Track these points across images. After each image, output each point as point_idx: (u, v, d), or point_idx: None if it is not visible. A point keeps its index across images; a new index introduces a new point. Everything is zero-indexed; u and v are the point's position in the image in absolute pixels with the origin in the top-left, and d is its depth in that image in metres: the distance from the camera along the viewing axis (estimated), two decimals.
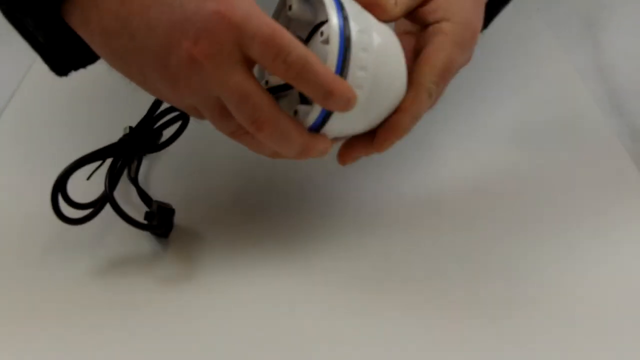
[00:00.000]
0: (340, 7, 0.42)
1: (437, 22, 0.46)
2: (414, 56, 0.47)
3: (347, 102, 0.42)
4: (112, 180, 0.50)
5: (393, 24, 0.48)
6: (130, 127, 0.55)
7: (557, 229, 0.53)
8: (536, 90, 0.67)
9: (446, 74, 0.46)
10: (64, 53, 0.47)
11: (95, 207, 0.50)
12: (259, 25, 0.40)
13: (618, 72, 0.70)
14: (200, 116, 0.45)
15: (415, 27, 0.48)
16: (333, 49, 0.41)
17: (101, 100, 0.65)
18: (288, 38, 0.40)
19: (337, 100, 0.42)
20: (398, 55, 0.45)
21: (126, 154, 0.53)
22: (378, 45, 0.43)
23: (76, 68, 0.50)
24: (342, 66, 0.42)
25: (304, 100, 0.45)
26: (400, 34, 0.48)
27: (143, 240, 0.51)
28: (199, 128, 0.53)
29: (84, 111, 0.64)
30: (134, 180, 0.53)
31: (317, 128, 0.44)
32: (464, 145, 0.60)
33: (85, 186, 0.49)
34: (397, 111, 0.45)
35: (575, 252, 0.51)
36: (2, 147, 0.61)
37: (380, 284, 0.48)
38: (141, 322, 0.46)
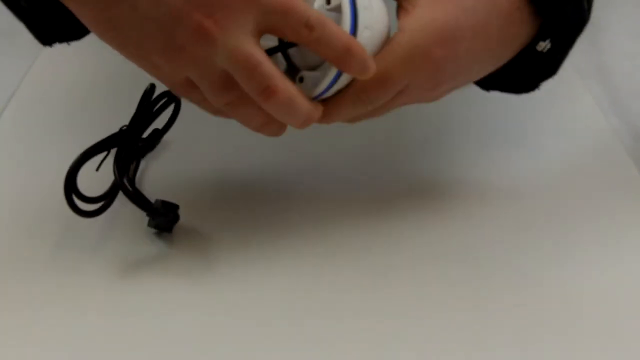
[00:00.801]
0: None
1: (398, 29, 0.45)
2: None
3: (364, 64, 0.43)
4: (120, 167, 0.50)
5: None
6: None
7: (557, 229, 0.53)
8: (536, 90, 0.67)
9: (379, 86, 0.45)
10: (47, 20, 0.46)
11: (108, 197, 0.50)
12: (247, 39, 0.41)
13: (618, 72, 0.70)
14: (189, 91, 0.45)
15: None
16: (346, 12, 0.43)
17: (101, 100, 0.65)
18: (303, 5, 0.41)
19: (356, 60, 0.43)
20: (385, 10, 0.45)
21: (129, 141, 0.52)
22: (375, 3, 0.44)
23: (61, 40, 0.49)
24: (354, 28, 0.43)
25: (291, 68, 0.45)
26: None
27: (147, 238, 0.51)
28: (200, 128, 0.53)
29: (83, 111, 0.64)
30: (131, 182, 0.53)
31: (321, 94, 0.45)
32: (463, 146, 0.60)
33: (90, 181, 0.49)
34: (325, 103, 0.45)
35: (575, 252, 0.51)
36: (2, 147, 0.61)
37: (382, 284, 0.48)
38: (145, 318, 0.46)
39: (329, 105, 0.45)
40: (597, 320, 0.46)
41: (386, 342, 0.44)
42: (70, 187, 0.48)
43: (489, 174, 0.57)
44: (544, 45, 0.48)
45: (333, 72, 0.44)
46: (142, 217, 0.50)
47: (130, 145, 0.52)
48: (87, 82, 0.67)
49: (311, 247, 0.51)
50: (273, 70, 0.42)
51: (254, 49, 0.42)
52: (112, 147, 0.52)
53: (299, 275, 0.49)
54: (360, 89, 0.45)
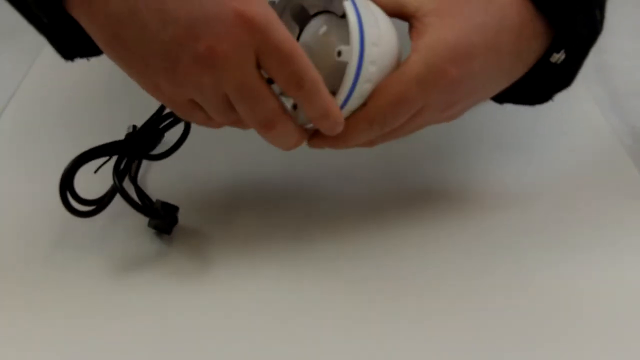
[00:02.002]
0: (358, 14, 0.43)
1: (411, 49, 0.45)
2: None
3: (334, 128, 0.45)
4: (119, 174, 0.50)
5: None
6: (134, 126, 0.55)
7: (557, 229, 0.53)
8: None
9: (396, 107, 0.45)
10: (68, 36, 0.47)
11: (104, 200, 0.50)
12: (281, 40, 0.41)
13: (618, 72, 0.70)
14: (192, 112, 0.45)
15: None
16: (352, 64, 0.43)
17: (101, 100, 0.65)
18: (305, 61, 0.42)
19: (329, 124, 0.44)
20: (393, 34, 0.45)
21: (131, 152, 0.53)
22: (384, 31, 0.44)
23: (82, 55, 0.50)
24: (357, 77, 0.43)
25: None
26: None
27: (146, 239, 0.51)
28: (202, 130, 0.53)
29: (84, 111, 0.64)
30: (134, 180, 0.53)
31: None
32: (463, 147, 0.60)
33: (88, 186, 0.49)
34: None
35: (575, 252, 0.51)
36: (2, 146, 0.61)
37: (384, 287, 0.48)
38: (145, 319, 0.46)
39: (345, 128, 0.45)
40: (596, 320, 0.46)
41: (388, 345, 0.44)
42: (66, 186, 0.48)
43: (488, 173, 0.57)
44: (557, 57, 0.47)
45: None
46: (142, 217, 0.50)
47: (132, 155, 0.53)
48: (87, 83, 0.67)
49: (311, 249, 0.51)
50: (275, 104, 0.43)
51: (256, 80, 0.42)
52: (113, 154, 0.52)
53: (298, 277, 0.49)
54: (377, 112, 0.45)
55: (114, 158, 0.52)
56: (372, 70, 0.43)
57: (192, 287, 0.48)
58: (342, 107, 0.44)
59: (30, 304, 0.47)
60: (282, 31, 0.41)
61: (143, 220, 0.51)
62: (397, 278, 0.49)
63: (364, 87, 0.44)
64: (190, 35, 0.40)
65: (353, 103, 0.44)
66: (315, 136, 0.47)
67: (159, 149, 0.55)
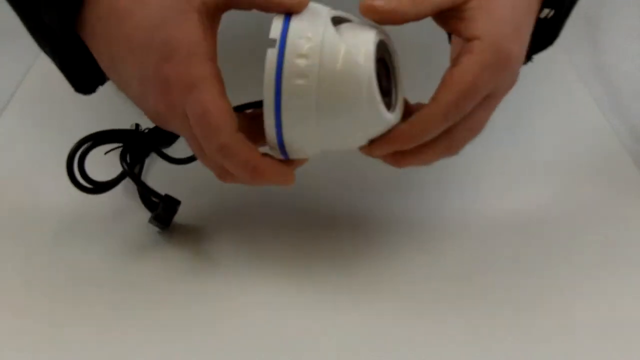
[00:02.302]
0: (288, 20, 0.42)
1: (469, 39, 0.44)
2: None
3: (273, 183, 0.44)
4: (130, 160, 0.51)
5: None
6: (137, 125, 0.55)
7: (556, 229, 0.53)
8: (536, 91, 0.67)
9: (468, 96, 0.44)
10: (83, 73, 0.50)
11: (114, 181, 0.51)
12: (195, 102, 0.43)
13: (618, 72, 0.70)
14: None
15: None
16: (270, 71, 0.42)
17: (101, 100, 0.65)
18: (216, 122, 0.42)
19: (264, 182, 0.44)
20: (348, 62, 0.42)
21: (145, 144, 0.53)
22: (323, 55, 0.42)
23: (92, 84, 0.53)
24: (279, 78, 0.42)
25: None
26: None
27: (146, 235, 0.52)
28: None
29: (83, 111, 0.64)
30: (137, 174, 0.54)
31: (281, 144, 0.44)
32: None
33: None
34: (404, 122, 0.44)
35: (574, 252, 0.51)
36: (2, 146, 0.61)
37: (380, 284, 0.48)
38: (143, 315, 0.46)
39: (420, 125, 0.44)
40: (596, 320, 0.46)
41: (388, 346, 0.45)
42: (73, 158, 0.49)
43: (488, 173, 0.57)
44: (547, 12, 0.48)
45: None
46: (141, 216, 0.51)
47: (140, 148, 0.53)
48: None
49: (311, 246, 0.51)
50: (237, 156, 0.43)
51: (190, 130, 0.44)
52: (125, 142, 0.52)
53: (297, 274, 0.49)
54: (450, 104, 0.43)
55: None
56: (301, 64, 0.41)
57: (190, 283, 0.48)
58: (276, 109, 0.42)
59: (31, 296, 0.47)
60: (202, 94, 0.42)
61: (144, 217, 0.51)
62: (403, 283, 0.49)
63: (295, 83, 0.41)
64: (144, 93, 0.45)
65: (293, 103, 0.42)
66: (380, 140, 0.45)
67: (182, 152, 0.55)
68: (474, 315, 0.46)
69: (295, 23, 0.42)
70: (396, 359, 0.44)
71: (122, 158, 0.51)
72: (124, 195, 0.55)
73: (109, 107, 0.64)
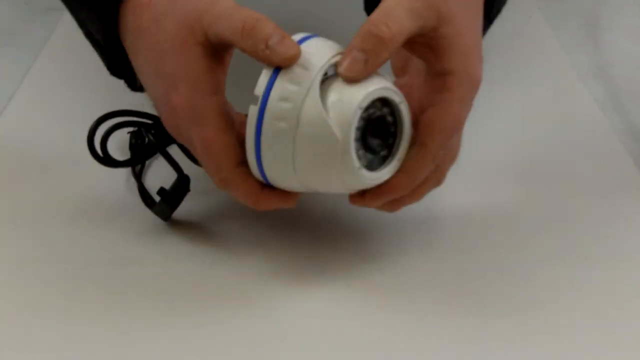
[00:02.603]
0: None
1: (441, 73, 0.44)
2: (420, 108, 0.45)
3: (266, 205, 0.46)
4: (157, 139, 0.52)
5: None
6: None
7: (556, 229, 0.53)
8: (536, 90, 0.67)
9: (452, 134, 0.44)
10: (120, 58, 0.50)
11: (140, 156, 0.53)
12: (198, 135, 0.44)
13: (618, 72, 0.70)
14: None
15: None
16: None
17: (101, 101, 0.65)
18: (217, 158, 0.44)
19: (267, 208, 0.46)
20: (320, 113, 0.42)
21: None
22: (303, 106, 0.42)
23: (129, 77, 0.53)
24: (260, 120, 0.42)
25: None
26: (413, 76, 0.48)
27: (146, 224, 0.52)
28: None
29: (83, 111, 0.63)
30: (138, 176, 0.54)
31: (271, 185, 0.45)
32: (463, 143, 0.60)
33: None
34: (398, 170, 0.44)
35: (575, 252, 0.51)
36: (2, 146, 0.61)
37: (378, 284, 0.48)
38: (143, 313, 0.46)
39: (409, 171, 0.44)
40: (596, 319, 0.46)
41: (388, 347, 0.45)
42: (94, 133, 0.51)
43: (487, 173, 0.57)
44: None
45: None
46: (143, 213, 0.50)
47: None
48: (87, 83, 0.67)
49: (312, 245, 0.51)
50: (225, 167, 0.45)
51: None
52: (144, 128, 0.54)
53: (297, 272, 0.49)
54: (440, 146, 0.44)
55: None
56: (279, 126, 0.42)
57: (190, 279, 0.48)
58: (258, 163, 0.43)
59: (32, 294, 0.47)
60: (206, 126, 0.44)
61: (145, 216, 0.51)
62: (397, 284, 0.49)
63: (273, 142, 0.42)
64: (158, 109, 0.48)
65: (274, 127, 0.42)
66: (375, 192, 0.45)
67: None
68: (474, 315, 0.46)
69: (279, 82, 0.42)
70: (396, 358, 0.44)
71: (148, 132, 0.52)
72: (125, 189, 0.55)
73: (109, 107, 0.64)
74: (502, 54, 0.70)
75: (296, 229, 0.52)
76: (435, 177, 0.47)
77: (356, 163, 0.42)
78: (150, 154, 0.54)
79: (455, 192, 0.55)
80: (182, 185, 0.51)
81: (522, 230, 0.53)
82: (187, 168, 0.52)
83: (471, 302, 0.47)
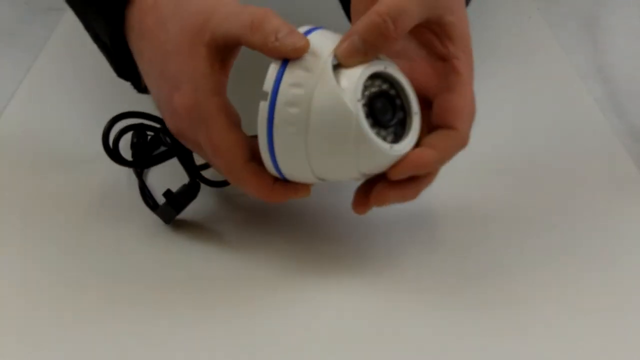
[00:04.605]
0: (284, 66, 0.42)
1: (447, 58, 0.45)
2: (424, 83, 0.46)
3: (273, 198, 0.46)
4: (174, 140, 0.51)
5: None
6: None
7: (556, 229, 0.53)
8: (536, 91, 0.67)
9: (474, 117, 0.46)
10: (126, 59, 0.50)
11: (156, 157, 0.52)
12: (204, 137, 0.45)
13: (618, 72, 0.70)
14: None
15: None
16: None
17: (101, 101, 0.65)
18: (225, 157, 0.44)
19: (279, 201, 0.46)
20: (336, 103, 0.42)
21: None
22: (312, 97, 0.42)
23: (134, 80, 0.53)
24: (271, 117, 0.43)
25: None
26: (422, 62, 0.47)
27: (148, 224, 0.52)
28: None
29: (83, 111, 0.64)
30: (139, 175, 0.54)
31: (285, 179, 0.45)
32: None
33: None
34: (425, 145, 0.44)
35: (575, 252, 0.51)
36: (2, 146, 0.61)
37: (379, 284, 0.48)
38: (144, 314, 0.46)
39: (442, 150, 0.45)
40: (596, 319, 0.46)
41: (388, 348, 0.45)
42: (109, 131, 0.50)
43: (486, 173, 0.57)
44: None
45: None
46: (147, 212, 0.50)
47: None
48: (88, 83, 0.67)
49: (313, 246, 0.51)
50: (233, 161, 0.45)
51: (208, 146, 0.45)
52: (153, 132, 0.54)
53: (297, 271, 0.49)
54: (468, 130, 0.45)
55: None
56: (291, 112, 0.42)
57: (192, 280, 0.48)
58: (271, 155, 0.43)
59: (35, 294, 0.47)
60: (212, 127, 0.44)
61: (146, 217, 0.51)
62: (397, 285, 0.49)
63: (286, 131, 0.43)
64: (162, 112, 0.48)
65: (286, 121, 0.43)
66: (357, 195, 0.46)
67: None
68: (474, 315, 0.46)
69: (290, 71, 0.42)
70: (396, 357, 0.44)
71: (165, 135, 0.51)
72: (127, 188, 0.55)
73: (109, 107, 0.64)
74: (501, 55, 0.70)
75: (296, 229, 0.52)
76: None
77: (371, 134, 0.42)
78: (166, 158, 0.54)
79: (455, 192, 0.55)
80: (191, 190, 0.51)
81: (522, 230, 0.53)
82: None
83: (471, 302, 0.47)
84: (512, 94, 0.66)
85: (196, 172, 0.52)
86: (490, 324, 0.46)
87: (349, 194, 0.50)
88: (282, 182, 0.46)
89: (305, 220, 0.53)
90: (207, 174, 0.53)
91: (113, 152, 0.50)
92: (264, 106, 0.42)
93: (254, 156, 0.45)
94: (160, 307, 0.46)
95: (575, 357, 0.44)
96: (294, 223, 0.53)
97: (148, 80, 0.48)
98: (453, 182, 0.56)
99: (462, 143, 0.45)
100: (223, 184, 0.54)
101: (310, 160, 0.43)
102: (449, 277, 0.49)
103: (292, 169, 0.44)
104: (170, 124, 0.47)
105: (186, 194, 0.51)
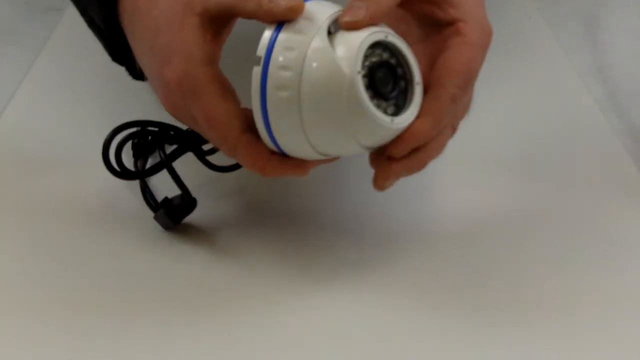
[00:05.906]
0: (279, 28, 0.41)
1: (450, 22, 0.44)
2: (430, 63, 0.44)
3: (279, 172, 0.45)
4: (170, 154, 0.51)
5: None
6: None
7: (556, 229, 0.53)
8: (536, 91, 0.67)
9: (470, 78, 0.44)
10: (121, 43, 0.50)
11: (146, 171, 0.51)
12: (198, 108, 0.43)
13: (618, 72, 0.70)
14: None
15: (425, 30, 0.46)
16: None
17: (101, 101, 0.65)
18: (219, 128, 0.43)
19: (275, 175, 0.45)
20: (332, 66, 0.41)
21: (188, 143, 0.53)
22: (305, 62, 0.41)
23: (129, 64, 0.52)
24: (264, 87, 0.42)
25: None
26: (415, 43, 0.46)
27: (148, 227, 0.52)
28: None
29: (84, 111, 0.64)
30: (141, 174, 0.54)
31: (282, 151, 0.44)
32: (463, 143, 0.60)
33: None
34: (418, 116, 0.43)
35: (574, 252, 0.51)
36: (2, 146, 0.61)
37: (379, 284, 0.49)
38: (145, 317, 0.46)
39: (430, 113, 0.43)
40: (596, 319, 0.46)
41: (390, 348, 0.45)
42: (110, 144, 0.49)
43: (486, 173, 0.57)
44: None
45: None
46: (146, 216, 0.50)
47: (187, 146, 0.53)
48: (88, 83, 0.67)
49: (315, 248, 0.51)
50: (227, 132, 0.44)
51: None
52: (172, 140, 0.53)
53: (297, 273, 0.49)
54: (458, 87, 0.43)
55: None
56: (283, 75, 0.41)
57: (194, 282, 0.48)
58: (265, 123, 0.42)
59: (36, 297, 0.47)
60: (201, 100, 0.43)
61: (148, 219, 0.51)
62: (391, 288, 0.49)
63: (278, 95, 0.41)
64: (154, 86, 0.47)
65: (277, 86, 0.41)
66: (377, 171, 0.44)
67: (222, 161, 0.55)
68: (474, 314, 0.46)
69: (284, 34, 0.41)
70: (396, 358, 0.44)
71: (160, 148, 0.51)
72: (127, 190, 0.55)
73: (109, 108, 0.64)
74: (501, 54, 0.70)
75: (296, 230, 0.52)
76: (451, 127, 0.46)
77: (371, 107, 0.41)
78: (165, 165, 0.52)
79: (455, 191, 0.55)
80: (188, 206, 0.51)
81: (522, 230, 0.53)
82: (192, 173, 0.52)
83: (471, 302, 0.47)
84: (512, 94, 0.66)
85: (202, 157, 0.51)
86: (490, 324, 0.46)
87: (349, 199, 0.51)
88: (280, 155, 0.44)
89: (305, 226, 0.53)
90: (213, 159, 0.52)
91: (118, 172, 0.50)
92: (257, 71, 0.41)
93: (251, 129, 0.44)
94: (160, 313, 0.46)
95: (575, 357, 0.44)
96: (293, 229, 0.53)
97: (140, 59, 0.47)
98: (453, 182, 0.56)
99: (449, 101, 0.43)
100: (230, 168, 0.53)
101: (306, 130, 0.42)
102: (449, 278, 0.49)
103: (287, 139, 0.43)
104: (163, 101, 0.46)
105: (183, 208, 0.51)
